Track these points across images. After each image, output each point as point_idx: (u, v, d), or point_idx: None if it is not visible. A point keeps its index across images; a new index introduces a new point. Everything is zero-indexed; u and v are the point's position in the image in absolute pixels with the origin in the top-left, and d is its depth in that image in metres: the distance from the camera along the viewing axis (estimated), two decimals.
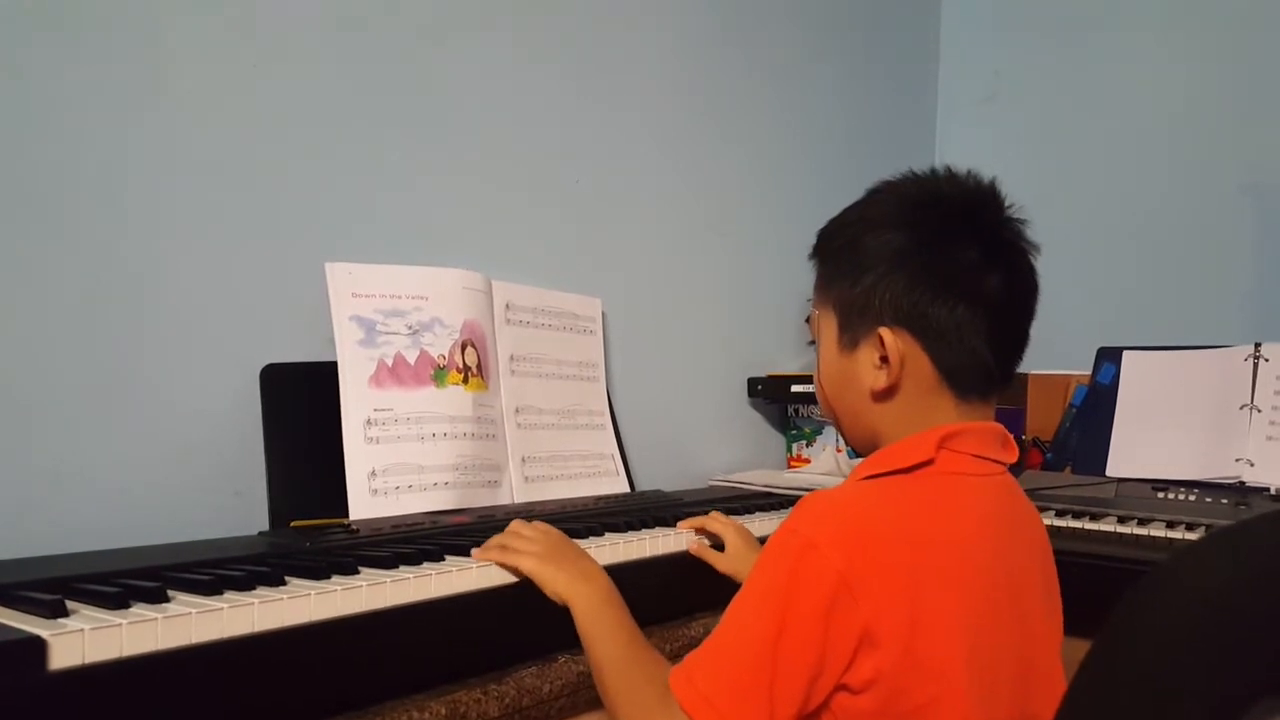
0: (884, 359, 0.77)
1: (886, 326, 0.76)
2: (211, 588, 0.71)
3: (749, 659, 0.67)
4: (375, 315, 1.17)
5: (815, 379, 0.86)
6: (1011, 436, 0.80)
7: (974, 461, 0.76)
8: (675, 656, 0.92)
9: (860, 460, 0.81)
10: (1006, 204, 0.79)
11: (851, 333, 0.79)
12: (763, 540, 1.06)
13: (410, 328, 1.19)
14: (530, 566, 0.86)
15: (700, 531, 1.08)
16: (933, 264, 0.75)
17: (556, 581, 0.84)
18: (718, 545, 1.07)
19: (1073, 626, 0.82)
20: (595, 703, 0.83)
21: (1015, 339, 0.79)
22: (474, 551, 0.87)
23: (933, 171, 0.80)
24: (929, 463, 0.74)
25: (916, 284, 0.75)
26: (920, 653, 0.67)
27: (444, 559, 0.87)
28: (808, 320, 0.85)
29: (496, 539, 0.90)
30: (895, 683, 0.67)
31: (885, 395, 0.77)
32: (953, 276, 0.75)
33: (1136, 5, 2.12)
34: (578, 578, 0.85)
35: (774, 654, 0.67)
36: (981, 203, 0.78)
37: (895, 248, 0.76)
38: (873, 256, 0.77)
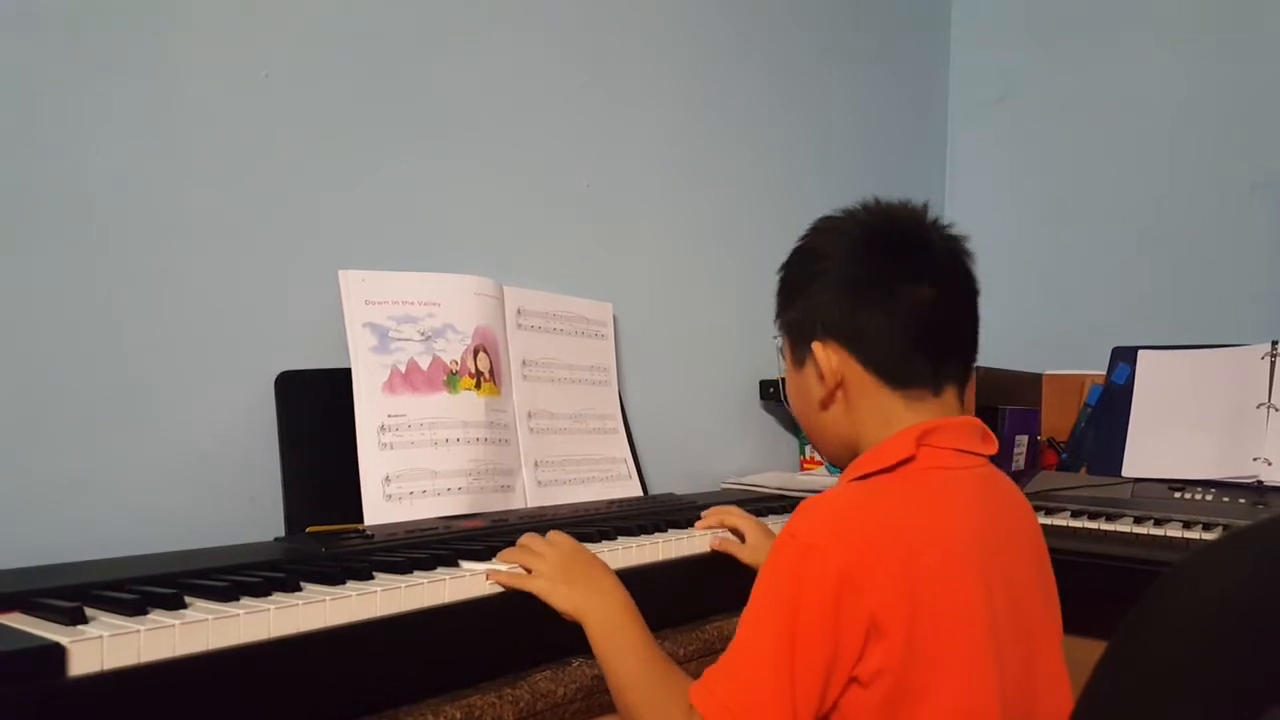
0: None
1: (818, 340, 0.82)
2: (228, 594, 0.72)
3: (767, 664, 0.69)
4: (388, 322, 1.18)
5: (788, 402, 0.92)
6: (990, 430, 0.84)
7: (955, 455, 0.79)
8: (690, 660, 0.93)
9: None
10: (933, 221, 0.84)
11: (798, 351, 0.86)
12: None
13: (423, 334, 1.20)
14: (539, 588, 0.85)
15: (719, 526, 1.10)
16: (851, 281, 0.82)
17: (568, 601, 0.84)
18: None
19: (1088, 628, 0.81)
20: (609, 707, 0.83)
21: (947, 340, 0.82)
22: (486, 570, 0.86)
23: (864, 203, 0.86)
24: (910, 459, 0.78)
25: (839, 300, 0.82)
26: (920, 641, 0.70)
27: (458, 564, 0.88)
28: (780, 350, 0.92)
29: (508, 554, 0.90)
30: (898, 673, 0.69)
31: (830, 403, 0.84)
32: (868, 289, 0.81)
33: (1146, 5, 2.12)
34: (591, 593, 0.85)
35: (790, 656, 0.69)
36: (898, 221, 0.84)
37: (823, 270, 0.83)
38: (806, 281, 0.85)
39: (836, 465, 0.89)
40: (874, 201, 0.86)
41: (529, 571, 0.87)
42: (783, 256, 0.89)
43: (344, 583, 0.78)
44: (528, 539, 0.91)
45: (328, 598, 0.73)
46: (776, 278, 0.90)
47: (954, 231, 0.85)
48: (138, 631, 0.62)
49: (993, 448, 0.83)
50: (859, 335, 0.81)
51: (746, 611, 0.74)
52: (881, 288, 0.80)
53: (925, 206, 0.85)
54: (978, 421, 0.83)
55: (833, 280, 0.82)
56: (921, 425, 0.79)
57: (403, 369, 1.17)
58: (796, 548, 0.72)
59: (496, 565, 0.88)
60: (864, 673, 0.70)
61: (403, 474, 1.13)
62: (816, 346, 0.82)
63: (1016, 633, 0.76)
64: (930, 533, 0.74)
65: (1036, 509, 0.89)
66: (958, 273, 0.83)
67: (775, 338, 0.91)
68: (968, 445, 0.80)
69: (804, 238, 0.88)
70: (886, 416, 0.81)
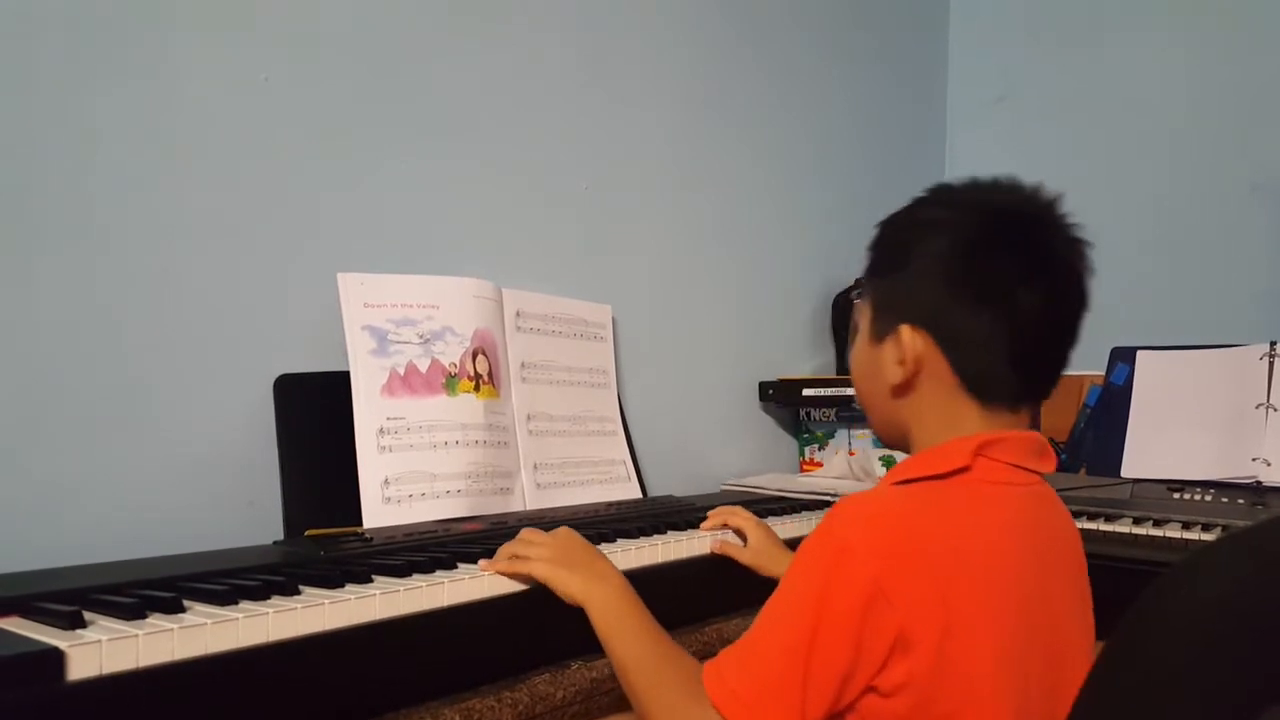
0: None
1: (908, 324, 0.76)
2: (227, 598, 0.72)
3: (783, 658, 0.67)
4: (387, 325, 1.18)
5: (850, 366, 0.86)
6: (1050, 445, 0.78)
7: (1011, 470, 0.75)
8: None
9: (883, 456, 0.81)
10: (1065, 220, 0.76)
11: (881, 326, 0.79)
12: (784, 538, 1.08)
13: (422, 337, 1.20)
14: (541, 571, 0.86)
15: (722, 526, 1.10)
16: (962, 270, 0.74)
17: (569, 584, 0.84)
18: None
19: None
20: (608, 709, 0.83)
21: (1045, 358, 0.76)
22: (482, 563, 0.87)
23: (994, 180, 0.78)
24: (966, 469, 0.73)
25: (944, 288, 0.74)
26: (951, 659, 0.67)
27: (456, 567, 0.88)
28: (856, 310, 0.85)
29: (507, 547, 0.90)
30: (926, 688, 0.67)
31: (902, 391, 0.78)
32: (980, 286, 0.73)
33: (1146, 5, 2.12)
34: (592, 578, 0.84)
35: (808, 654, 0.67)
36: (1031, 215, 0.76)
37: (932, 249, 0.75)
38: (910, 254, 0.77)
39: (885, 443, 0.84)
40: (1004, 182, 0.77)
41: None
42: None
43: (343, 586, 0.78)
44: (527, 532, 0.92)
45: (326, 601, 0.73)
46: (876, 231, 0.82)
47: (1079, 233, 0.76)
48: (136, 635, 0.62)
49: (1050, 465, 0.77)
50: (953, 335, 0.74)
51: (772, 600, 0.71)
52: (990, 292, 0.73)
53: (1057, 199, 0.76)
54: (1039, 437, 0.77)
55: (938, 267, 0.74)
56: (983, 436, 0.73)
57: (401, 372, 1.17)
58: (831, 546, 0.69)
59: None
60: (885, 684, 0.67)
61: (402, 477, 1.13)
62: (905, 329, 0.75)
63: (1047, 654, 0.72)
64: (973, 550, 0.70)
65: None
66: (1073, 289, 0.75)
67: (856, 295, 0.84)
68: (1025, 461, 0.75)
69: (919, 202, 0.80)
70: (956, 420, 0.75)
